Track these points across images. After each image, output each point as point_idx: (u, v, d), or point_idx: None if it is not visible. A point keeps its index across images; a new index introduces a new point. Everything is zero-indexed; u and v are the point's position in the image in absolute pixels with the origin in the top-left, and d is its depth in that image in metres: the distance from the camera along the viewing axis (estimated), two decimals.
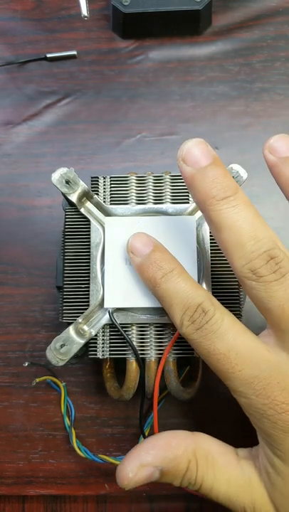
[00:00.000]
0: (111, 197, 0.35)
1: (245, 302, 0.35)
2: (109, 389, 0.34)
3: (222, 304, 0.33)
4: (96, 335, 0.33)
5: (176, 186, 0.35)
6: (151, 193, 0.35)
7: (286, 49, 0.45)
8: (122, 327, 0.32)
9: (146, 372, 0.33)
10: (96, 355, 0.33)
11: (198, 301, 0.27)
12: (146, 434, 0.36)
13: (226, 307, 0.33)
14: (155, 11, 0.43)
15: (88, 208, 0.34)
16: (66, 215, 0.35)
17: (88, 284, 0.33)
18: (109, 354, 0.33)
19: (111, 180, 0.35)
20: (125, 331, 0.32)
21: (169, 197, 0.35)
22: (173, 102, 0.44)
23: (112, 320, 0.32)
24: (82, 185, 0.34)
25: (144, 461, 0.26)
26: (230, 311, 0.33)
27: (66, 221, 0.35)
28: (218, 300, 0.33)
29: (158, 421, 0.32)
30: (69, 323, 0.33)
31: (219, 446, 0.28)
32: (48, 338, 0.40)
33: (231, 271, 0.33)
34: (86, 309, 0.33)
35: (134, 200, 0.35)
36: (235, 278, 0.33)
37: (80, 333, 0.32)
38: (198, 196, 0.27)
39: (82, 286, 0.33)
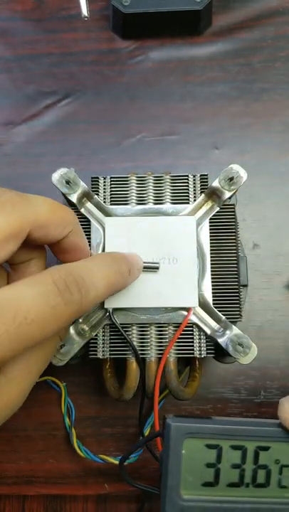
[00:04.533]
0: (111, 197, 0.35)
1: (245, 302, 0.35)
2: (109, 389, 0.34)
3: (222, 303, 0.33)
4: (96, 335, 0.33)
5: (176, 186, 0.35)
6: (151, 194, 0.35)
7: (286, 49, 0.45)
8: (123, 327, 0.32)
9: (146, 372, 0.33)
10: (96, 355, 0.33)
11: None
12: (146, 434, 0.36)
13: (226, 307, 0.33)
14: (155, 11, 0.43)
15: (88, 209, 0.35)
16: None
17: None
18: (110, 354, 0.33)
19: (111, 181, 0.35)
20: (125, 331, 0.32)
21: (169, 197, 0.35)
22: (173, 102, 0.44)
23: (112, 320, 0.32)
24: (83, 186, 0.34)
25: None
26: (230, 311, 0.33)
27: None
28: (218, 300, 0.33)
29: (158, 421, 0.32)
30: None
31: None
32: None
33: (231, 271, 0.34)
34: None
35: (134, 201, 0.35)
36: (235, 278, 0.33)
37: (80, 333, 0.32)
38: None
39: None
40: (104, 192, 0.35)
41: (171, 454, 0.24)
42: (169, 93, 0.44)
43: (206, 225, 0.34)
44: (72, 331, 0.32)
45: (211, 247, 0.34)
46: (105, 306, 0.32)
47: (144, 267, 0.32)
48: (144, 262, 0.32)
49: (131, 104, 0.44)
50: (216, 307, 0.33)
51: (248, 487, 0.25)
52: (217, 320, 0.33)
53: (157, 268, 0.32)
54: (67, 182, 0.33)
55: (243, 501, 0.25)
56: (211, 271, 0.33)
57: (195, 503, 0.24)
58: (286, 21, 0.46)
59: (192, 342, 0.33)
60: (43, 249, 0.30)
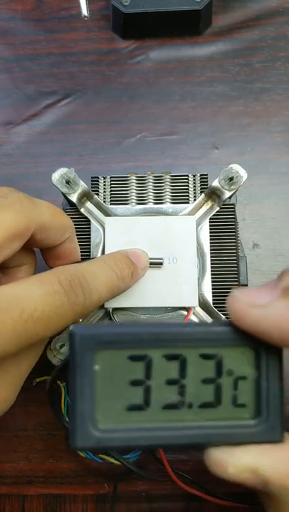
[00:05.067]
0: (111, 197, 0.35)
1: None
2: None
3: (222, 303, 0.33)
4: None
5: (176, 186, 0.35)
6: (151, 193, 0.35)
7: (286, 49, 0.45)
8: None
9: None
10: None
11: None
12: None
13: (227, 307, 0.33)
14: (155, 11, 0.43)
15: (88, 208, 0.35)
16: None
17: None
18: None
19: (111, 181, 0.35)
20: None
21: (168, 197, 0.35)
22: (173, 102, 0.44)
23: (112, 320, 0.32)
24: (83, 186, 0.34)
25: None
26: None
27: None
28: (219, 300, 0.33)
29: None
30: None
31: None
32: None
33: (231, 271, 0.33)
34: None
35: (134, 200, 0.35)
36: (235, 278, 0.33)
37: None
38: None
39: None
40: (104, 192, 0.35)
41: (79, 372, 0.19)
42: (168, 93, 0.45)
43: (206, 224, 0.34)
44: None
45: (211, 246, 0.34)
46: (105, 306, 0.32)
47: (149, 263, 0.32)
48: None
49: (131, 104, 0.44)
50: (216, 307, 0.33)
51: (191, 408, 0.19)
52: (217, 320, 0.33)
53: (161, 264, 0.32)
54: (67, 182, 0.33)
55: (186, 426, 0.19)
56: (211, 271, 0.33)
57: (117, 434, 0.18)
58: (286, 21, 0.46)
59: None
60: (34, 257, 0.31)
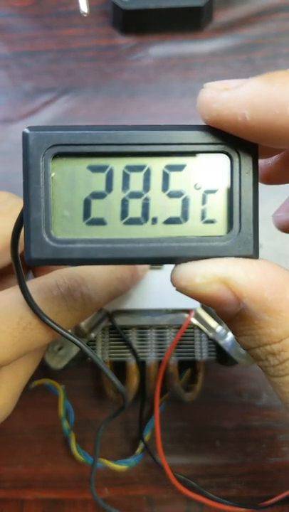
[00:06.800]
0: None
1: None
2: (108, 392, 0.34)
3: None
4: (96, 337, 0.32)
5: None
6: None
7: (288, 46, 0.44)
8: (122, 329, 0.32)
9: (146, 375, 0.32)
10: None
11: None
12: (147, 438, 0.35)
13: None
14: (156, 7, 0.43)
15: None
16: None
17: None
18: (109, 357, 0.32)
19: None
20: (125, 333, 0.32)
21: None
22: (174, 99, 0.44)
23: (112, 322, 0.32)
24: None
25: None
26: None
27: None
28: None
29: (159, 424, 0.32)
30: None
31: None
32: None
33: None
34: None
35: None
36: None
37: (79, 335, 0.32)
38: None
39: None
40: None
41: (34, 176, 0.17)
42: (169, 90, 0.44)
43: None
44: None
45: None
46: (105, 308, 0.32)
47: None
48: None
49: (131, 101, 0.44)
50: None
51: (156, 223, 0.18)
52: (219, 321, 0.32)
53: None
54: None
55: (151, 239, 0.18)
56: None
57: (76, 245, 0.17)
58: (288, 18, 0.45)
59: (193, 344, 0.32)
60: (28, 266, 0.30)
